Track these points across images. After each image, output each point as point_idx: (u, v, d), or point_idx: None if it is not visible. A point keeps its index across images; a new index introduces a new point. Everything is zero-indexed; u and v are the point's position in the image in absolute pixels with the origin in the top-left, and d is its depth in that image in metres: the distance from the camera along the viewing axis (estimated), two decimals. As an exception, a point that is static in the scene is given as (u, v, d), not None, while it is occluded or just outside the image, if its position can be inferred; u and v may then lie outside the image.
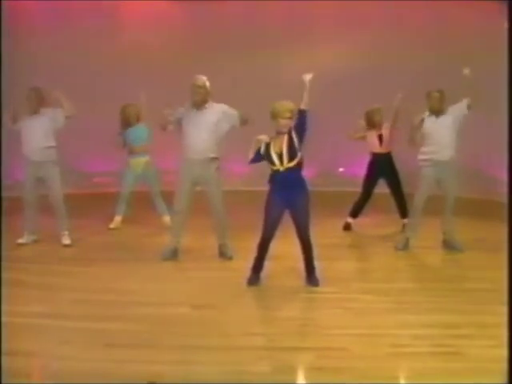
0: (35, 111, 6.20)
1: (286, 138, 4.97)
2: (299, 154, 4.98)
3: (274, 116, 4.97)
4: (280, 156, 4.96)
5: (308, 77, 5.14)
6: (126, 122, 7.22)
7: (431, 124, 6.17)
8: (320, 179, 9.14)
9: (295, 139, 4.97)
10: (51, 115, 6.21)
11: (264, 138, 5.06)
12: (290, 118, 4.95)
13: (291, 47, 9.58)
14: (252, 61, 9.50)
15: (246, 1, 9.70)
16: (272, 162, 4.99)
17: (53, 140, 6.28)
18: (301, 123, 5.01)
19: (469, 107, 6.09)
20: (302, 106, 5.03)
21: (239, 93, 8.48)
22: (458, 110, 6.14)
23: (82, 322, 4.29)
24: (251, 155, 5.14)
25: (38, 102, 6.21)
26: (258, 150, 5.08)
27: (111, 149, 7.49)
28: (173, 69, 8.84)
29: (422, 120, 6.17)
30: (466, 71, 5.92)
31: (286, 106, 4.94)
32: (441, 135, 6.12)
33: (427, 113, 6.22)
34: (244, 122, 5.73)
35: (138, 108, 7.18)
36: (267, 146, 5.03)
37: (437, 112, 6.18)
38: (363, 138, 7.30)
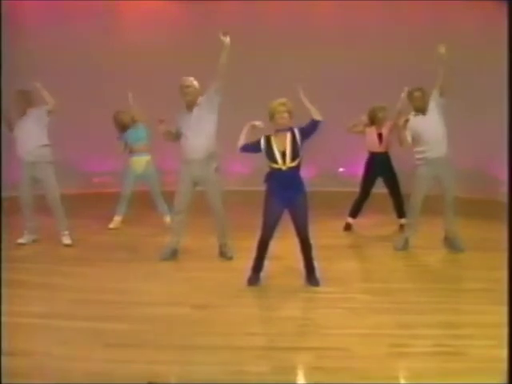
0: (23, 113, 6.24)
1: (289, 136, 4.94)
2: (301, 154, 4.98)
3: (272, 114, 4.94)
4: (283, 154, 4.92)
5: (300, 93, 5.14)
6: (122, 127, 7.29)
7: (419, 123, 6.11)
8: (320, 179, 9.14)
9: (299, 139, 4.96)
10: (36, 114, 6.24)
11: (259, 124, 5.04)
12: (287, 112, 4.91)
13: (291, 47, 9.57)
14: (252, 61, 9.49)
15: (246, 1, 9.70)
16: (274, 160, 4.95)
17: (45, 139, 6.29)
18: (311, 129, 4.99)
19: (441, 94, 6.08)
20: (316, 117, 5.01)
21: (239, 93, 8.49)
22: (434, 104, 6.11)
23: (81, 321, 4.30)
24: (242, 141, 5.08)
25: (26, 103, 6.25)
26: (257, 141, 5.02)
27: (111, 149, 7.50)
28: (173, 68, 8.83)
29: (407, 120, 6.11)
30: (442, 50, 5.94)
31: (281, 101, 4.92)
32: (431, 133, 6.09)
33: (413, 113, 6.20)
34: (219, 90, 5.59)
35: (130, 112, 7.22)
36: (268, 141, 4.99)
37: (421, 110, 6.16)
38: (362, 132, 7.24)
